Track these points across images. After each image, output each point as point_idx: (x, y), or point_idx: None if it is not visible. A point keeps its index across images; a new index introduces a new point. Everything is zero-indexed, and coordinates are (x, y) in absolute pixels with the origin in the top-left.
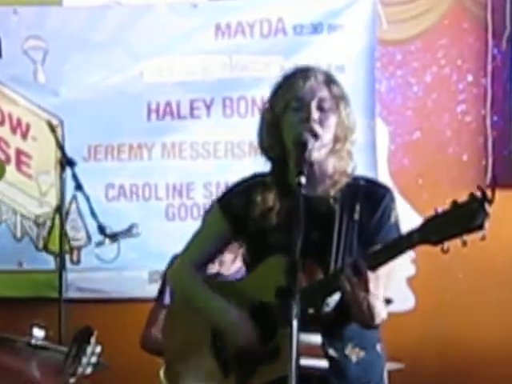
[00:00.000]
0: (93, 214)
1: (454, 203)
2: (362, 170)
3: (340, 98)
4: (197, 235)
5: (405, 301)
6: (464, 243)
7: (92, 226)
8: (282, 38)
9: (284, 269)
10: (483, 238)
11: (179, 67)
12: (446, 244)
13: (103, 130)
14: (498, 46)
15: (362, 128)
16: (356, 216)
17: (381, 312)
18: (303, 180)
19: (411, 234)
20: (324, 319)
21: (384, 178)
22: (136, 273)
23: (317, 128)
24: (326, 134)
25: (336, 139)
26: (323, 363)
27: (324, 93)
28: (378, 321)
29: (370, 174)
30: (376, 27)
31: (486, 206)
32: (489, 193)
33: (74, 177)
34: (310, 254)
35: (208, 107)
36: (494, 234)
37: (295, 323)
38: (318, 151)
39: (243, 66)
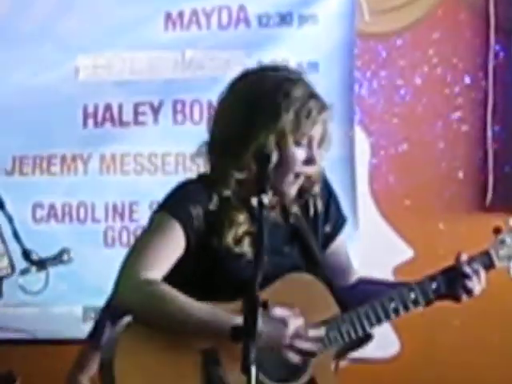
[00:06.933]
0: (17, 237)
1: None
2: (337, 189)
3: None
4: (148, 246)
5: (387, 345)
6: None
7: (16, 253)
8: (245, 30)
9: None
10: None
11: (121, 64)
12: None
13: (30, 138)
14: (501, 42)
15: (338, 139)
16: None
17: None
18: (266, 200)
19: None
20: None
21: (364, 198)
22: (67, 308)
23: (312, 171)
24: None
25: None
26: None
27: (322, 128)
28: None
29: (347, 194)
30: (356, 18)
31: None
32: None
33: None
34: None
35: (155, 112)
36: None
37: (254, 370)
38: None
39: (198, 63)
